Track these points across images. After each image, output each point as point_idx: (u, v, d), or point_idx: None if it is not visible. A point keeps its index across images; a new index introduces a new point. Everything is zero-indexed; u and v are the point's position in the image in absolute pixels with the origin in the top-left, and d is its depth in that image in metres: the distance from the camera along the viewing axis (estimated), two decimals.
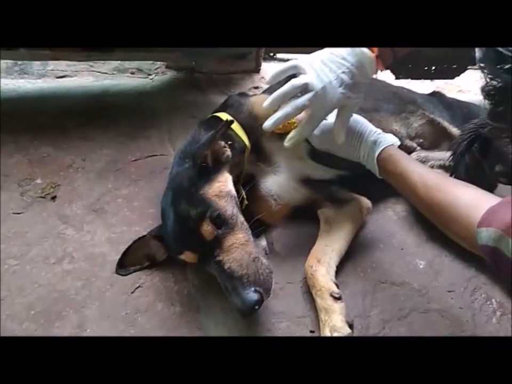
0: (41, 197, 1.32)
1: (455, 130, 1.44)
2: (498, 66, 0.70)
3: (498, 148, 1.28)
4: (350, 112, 1.07)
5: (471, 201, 0.85)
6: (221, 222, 1.03)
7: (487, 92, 0.73)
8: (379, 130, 1.12)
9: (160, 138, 1.60)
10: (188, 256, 1.06)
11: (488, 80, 0.72)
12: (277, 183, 1.28)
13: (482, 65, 0.73)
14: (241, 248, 1.01)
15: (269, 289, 0.98)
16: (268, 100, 1.02)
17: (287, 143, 1.06)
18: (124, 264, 1.17)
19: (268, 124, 1.02)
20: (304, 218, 1.31)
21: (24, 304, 1.05)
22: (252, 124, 1.25)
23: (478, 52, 0.75)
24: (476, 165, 1.31)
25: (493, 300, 1.13)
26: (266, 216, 1.21)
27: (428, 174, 0.99)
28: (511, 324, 1.07)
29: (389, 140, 1.10)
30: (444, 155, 1.44)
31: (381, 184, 1.27)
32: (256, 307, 0.93)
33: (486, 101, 0.75)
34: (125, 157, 1.50)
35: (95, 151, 1.50)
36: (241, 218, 1.07)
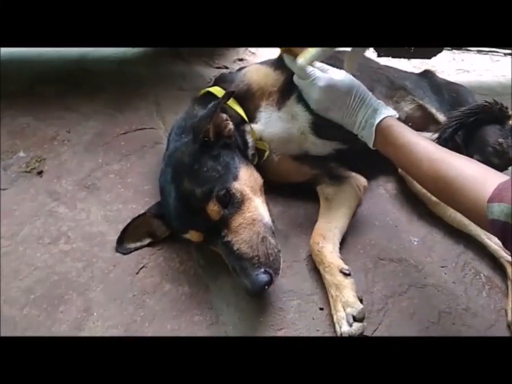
0: (26, 172, 1.23)
1: (441, 117, 1.48)
2: None
3: (480, 139, 1.33)
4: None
5: (478, 176, 0.86)
6: (228, 201, 1.00)
7: None
8: (380, 101, 1.11)
9: (148, 110, 1.53)
10: (193, 235, 1.04)
11: None
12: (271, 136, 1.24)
13: None
14: (249, 228, 1.00)
15: (278, 269, 0.99)
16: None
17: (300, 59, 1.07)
18: (124, 242, 1.12)
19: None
20: (302, 198, 1.32)
21: (22, 288, 1.00)
22: (247, 95, 1.22)
23: None
24: (457, 152, 1.37)
25: (482, 275, 1.21)
26: (269, 172, 1.21)
27: (432, 147, 0.98)
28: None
29: (390, 110, 1.09)
30: (429, 136, 1.48)
31: (372, 162, 1.30)
32: (266, 287, 0.94)
33: None
34: (112, 130, 1.42)
35: (80, 123, 1.41)
36: (249, 195, 1.05)
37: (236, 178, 1.04)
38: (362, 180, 1.34)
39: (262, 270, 0.94)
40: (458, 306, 1.13)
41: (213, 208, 0.98)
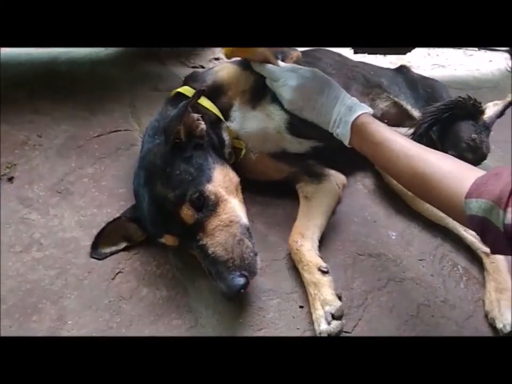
0: None
1: (417, 113, 1.49)
2: None
3: (454, 134, 1.35)
4: None
5: (455, 171, 0.87)
6: (202, 204, 0.99)
7: None
8: (354, 98, 1.10)
9: (123, 112, 1.50)
10: (168, 240, 1.02)
11: None
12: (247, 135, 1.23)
13: None
14: (225, 230, 0.98)
15: (254, 271, 0.98)
16: None
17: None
18: (99, 247, 1.10)
19: None
20: (281, 196, 1.32)
21: None
22: (219, 94, 1.20)
23: None
24: (431, 148, 1.38)
25: (459, 266, 1.23)
26: (247, 171, 1.21)
27: (408, 143, 0.98)
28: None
29: (365, 107, 1.07)
30: (404, 132, 1.49)
31: (349, 158, 1.30)
32: (242, 290, 0.93)
33: None
34: (86, 133, 1.39)
35: (52, 127, 1.37)
36: (224, 196, 1.03)
37: (209, 180, 1.02)
38: (341, 178, 1.34)
39: (238, 273, 0.93)
40: (436, 298, 1.14)
41: (187, 212, 0.97)
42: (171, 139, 1.02)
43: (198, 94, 1.03)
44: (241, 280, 0.92)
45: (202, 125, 1.08)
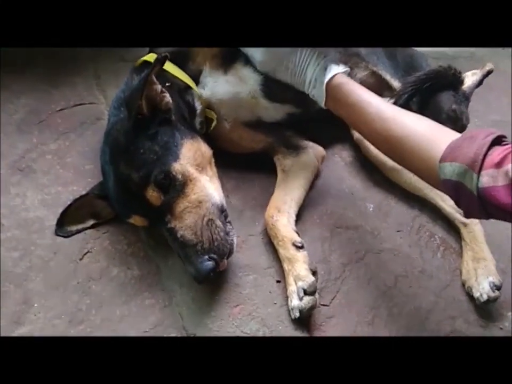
0: None
1: (396, 83, 1.45)
2: None
3: (434, 105, 1.32)
4: None
5: (430, 134, 0.84)
6: (168, 185, 0.93)
7: None
8: (330, 57, 1.03)
9: (87, 84, 1.41)
10: (136, 220, 0.98)
11: None
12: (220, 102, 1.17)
13: None
14: (194, 212, 0.94)
15: (224, 254, 0.94)
16: None
17: None
18: (65, 224, 1.05)
19: None
20: (257, 170, 1.28)
21: None
22: (188, 60, 1.14)
23: None
24: None
25: (436, 236, 1.22)
26: (221, 141, 1.18)
27: (384, 105, 0.94)
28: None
29: (341, 67, 1.02)
30: None
31: (327, 130, 1.27)
32: (212, 274, 0.90)
33: None
34: (47, 107, 1.30)
35: (11, 101, 1.28)
36: (193, 175, 0.97)
37: (177, 158, 0.96)
38: (320, 150, 1.31)
39: (206, 257, 0.90)
40: (414, 269, 1.13)
41: (152, 194, 0.92)
42: (133, 115, 0.94)
43: (159, 61, 0.94)
44: (209, 265, 0.89)
45: (167, 98, 1.00)
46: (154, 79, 0.96)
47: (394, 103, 1.31)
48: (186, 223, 0.92)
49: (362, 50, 1.45)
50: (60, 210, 1.04)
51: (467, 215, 0.80)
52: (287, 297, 0.99)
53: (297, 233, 1.08)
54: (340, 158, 1.42)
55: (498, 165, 0.68)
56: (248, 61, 1.12)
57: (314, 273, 1.01)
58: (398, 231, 1.22)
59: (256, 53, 1.05)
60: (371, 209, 1.27)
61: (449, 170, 0.76)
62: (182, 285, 1.00)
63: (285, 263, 1.03)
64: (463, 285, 1.12)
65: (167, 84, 1.05)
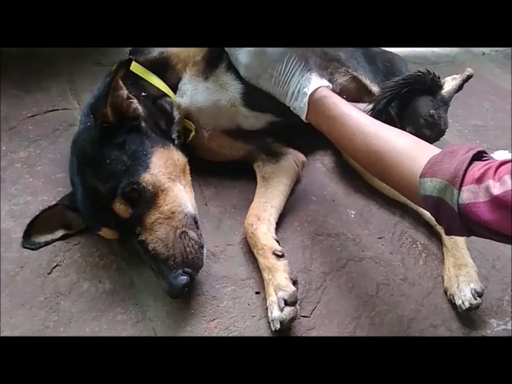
0: None
1: (375, 88, 1.45)
2: None
3: (413, 110, 1.31)
4: None
5: (410, 150, 0.83)
6: (137, 197, 0.89)
7: None
8: (314, 70, 1.03)
9: (61, 89, 1.37)
10: (106, 233, 0.94)
11: None
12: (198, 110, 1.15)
13: None
14: (166, 223, 0.90)
15: (198, 267, 0.92)
16: None
17: None
18: (32, 236, 0.99)
19: None
20: (237, 177, 1.25)
21: None
22: (166, 67, 1.11)
23: None
24: (390, 124, 1.35)
25: (418, 243, 1.21)
26: (200, 150, 1.16)
27: (366, 120, 0.93)
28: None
29: (324, 81, 1.01)
30: (363, 108, 1.45)
31: (309, 136, 1.24)
32: (186, 289, 0.87)
33: None
34: (18, 113, 1.26)
35: None
36: (164, 185, 0.93)
37: (146, 168, 0.91)
38: (300, 156, 1.28)
39: (180, 271, 0.86)
40: (396, 276, 1.11)
41: (119, 207, 0.88)
42: (98, 123, 0.90)
43: (123, 65, 0.89)
44: (183, 279, 0.85)
45: (135, 104, 0.96)
46: (121, 84, 0.92)
47: (373, 108, 1.31)
48: (157, 235, 0.88)
49: (343, 55, 1.44)
50: (28, 221, 1.00)
51: (448, 232, 0.78)
52: (266, 309, 0.96)
53: (277, 241, 1.05)
54: (321, 164, 1.41)
55: (479, 180, 0.67)
56: (230, 67, 1.10)
57: (295, 282, 0.98)
58: (380, 238, 1.21)
59: (242, 56, 1.02)
60: (352, 215, 1.25)
61: (430, 186, 0.74)
62: (156, 299, 0.95)
63: (265, 272, 0.99)
64: (445, 292, 1.10)
65: (142, 94, 1.02)
